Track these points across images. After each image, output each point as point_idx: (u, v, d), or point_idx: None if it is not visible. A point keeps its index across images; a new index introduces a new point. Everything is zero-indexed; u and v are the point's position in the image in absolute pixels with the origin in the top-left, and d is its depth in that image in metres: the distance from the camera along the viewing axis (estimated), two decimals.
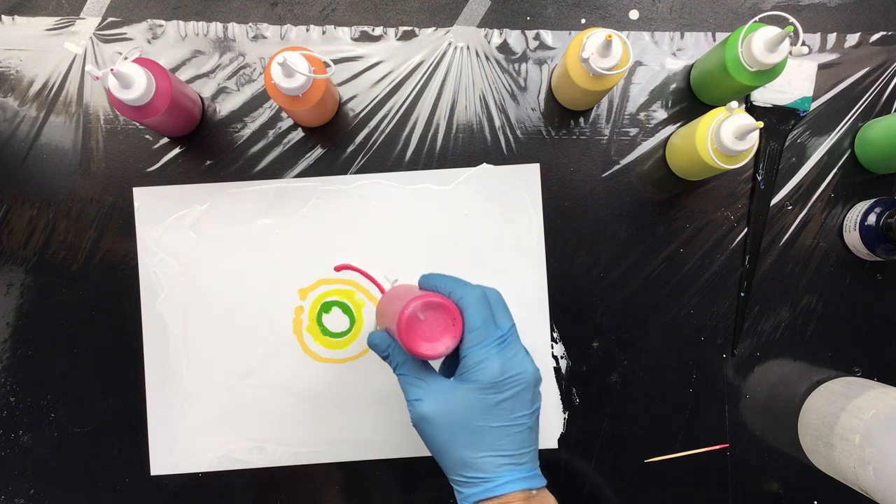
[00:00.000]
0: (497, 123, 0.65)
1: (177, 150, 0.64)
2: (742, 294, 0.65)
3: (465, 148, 0.65)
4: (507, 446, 0.46)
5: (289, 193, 0.64)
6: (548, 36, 0.66)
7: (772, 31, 0.55)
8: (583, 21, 0.66)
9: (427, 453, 0.63)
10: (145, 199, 0.64)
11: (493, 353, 0.46)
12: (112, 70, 0.52)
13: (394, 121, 0.65)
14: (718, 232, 0.65)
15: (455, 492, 0.48)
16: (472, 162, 0.65)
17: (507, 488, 0.45)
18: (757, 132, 0.55)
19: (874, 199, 0.64)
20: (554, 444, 0.64)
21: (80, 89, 0.64)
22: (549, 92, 0.65)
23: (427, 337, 0.46)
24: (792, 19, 0.54)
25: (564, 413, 0.64)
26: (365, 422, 0.64)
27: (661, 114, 0.66)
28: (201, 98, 0.64)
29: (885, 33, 0.67)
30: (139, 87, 0.53)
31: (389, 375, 0.63)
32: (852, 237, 0.64)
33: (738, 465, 0.65)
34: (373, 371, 0.64)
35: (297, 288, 0.64)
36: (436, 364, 0.53)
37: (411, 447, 0.63)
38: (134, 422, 0.63)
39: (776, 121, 0.66)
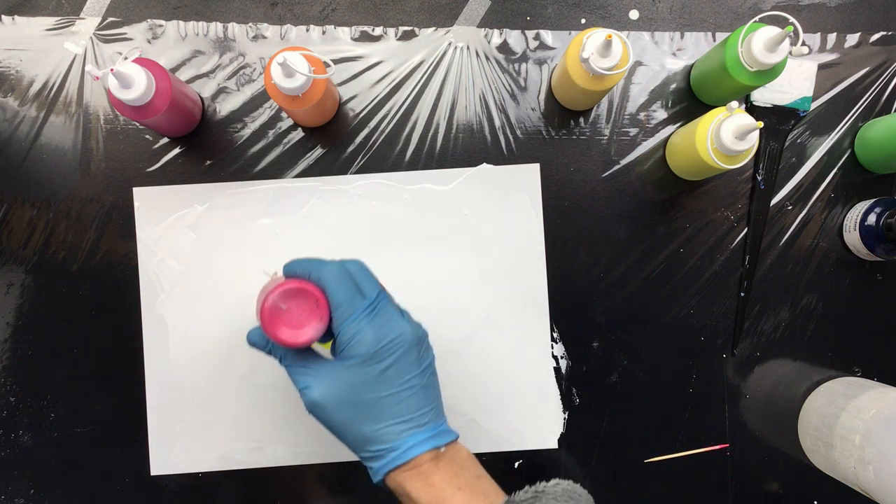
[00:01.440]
0: (497, 123, 0.65)
1: (177, 150, 0.64)
2: (742, 294, 0.65)
3: (465, 148, 0.65)
4: (404, 411, 0.46)
5: (289, 193, 0.64)
6: (548, 36, 0.66)
7: (772, 31, 0.55)
8: (583, 21, 0.66)
9: None
10: (145, 199, 0.64)
11: (363, 324, 0.46)
12: (112, 70, 0.52)
13: (394, 121, 0.65)
14: (718, 232, 0.65)
15: (368, 469, 0.47)
16: (472, 162, 0.65)
17: (413, 452, 0.45)
18: (757, 132, 0.55)
19: (874, 199, 0.64)
20: (554, 444, 0.64)
21: (80, 89, 0.64)
22: (549, 92, 0.65)
23: (293, 324, 0.46)
24: (792, 19, 0.54)
25: (564, 413, 0.64)
26: None
27: (661, 114, 0.66)
28: (201, 98, 0.64)
29: (885, 33, 0.67)
30: (139, 87, 0.53)
31: None
32: (852, 237, 0.64)
33: (738, 465, 0.65)
34: None
35: None
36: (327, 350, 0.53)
37: None
38: (134, 422, 0.63)
39: (776, 121, 0.66)
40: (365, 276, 0.49)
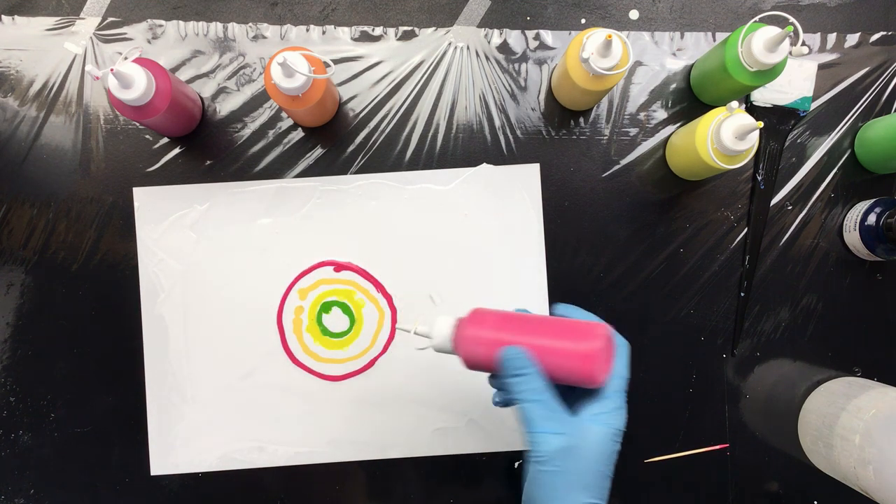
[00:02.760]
0: (497, 123, 0.65)
1: (177, 150, 0.64)
2: (742, 294, 0.65)
3: (465, 148, 0.65)
4: (604, 494, 0.44)
5: (289, 193, 0.64)
6: (548, 36, 0.66)
7: (772, 31, 0.55)
8: (583, 21, 0.66)
9: (425, 454, 0.63)
10: (145, 199, 0.64)
11: (625, 400, 0.45)
12: (112, 70, 0.52)
13: (394, 121, 0.65)
14: (718, 232, 0.65)
15: None
16: (472, 162, 0.65)
17: None
18: (757, 132, 0.55)
19: (874, 199, 0.64)
20: None
21: (80, 89, 0.64)
22: (549, 92, 0.65)
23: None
24: (792, 19, 0.54)
25: None
26: (364, 422, 0.64)
27: (661, 114, 0.66)
28: (201, 98, 0.64)
29: (885, 33, 0.67)
30: (139, 87, 0.53)
31: (389, 376, 0.63)
32: (852, 237, 0.64)
33: (738, 465, 0.65)
34: (372, 372, 0.64)
35: (297, 288, 0.64)
36: None
37: (410, 448, 0.63)
38: (134, 422, 0.63)
39: (776, 121, 0.66)
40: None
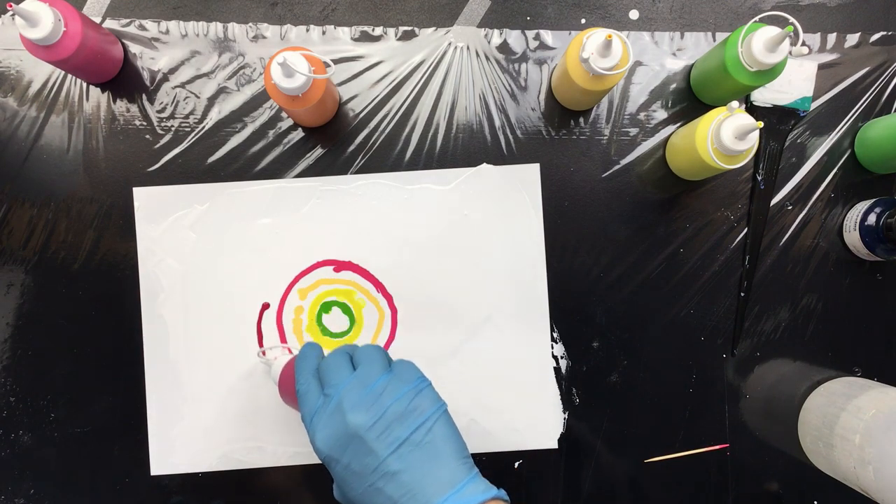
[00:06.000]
0: (497, 123, 0.65)
1: (177, 150, 0.64)
2: (742, 294, 0.65)
3: (465, 148, 0.65)
4: None
5: (289, 193, 0.64)
6: (548, 36, 0.66)
7: (772, 31, 0.55)
8: (583, 21, 0.66)
9: None
10: (145, 199, 0.64)
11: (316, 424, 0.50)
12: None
13: (394, 121, 0.65)
14: (718, 232, 0.65)
15: None
16: (472, 162, 0.65)
17: None
18: (757, 132, 0.55)
19: (874, 199, 0.64)
20: (554, 445, 0.64)
21: (81, 89, 0.64)
22: (549, 92, 0.65)
23: None
24: (792, 19, 0.54)
25: (564, 413, 0.64)
26: None
27: (661, 114, 0.66)
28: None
29: (885, 33, 0.67)
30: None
31: None
32: (852, 237, 0.64)
33: (738, 465, 0.65)
34: None
35: (297, 288, 0.64)
36: None
37: None
38: (134, 422, 0.63)
39: (776, 121, 0.66)
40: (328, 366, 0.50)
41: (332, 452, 0.45)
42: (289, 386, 0.55)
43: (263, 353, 0.63)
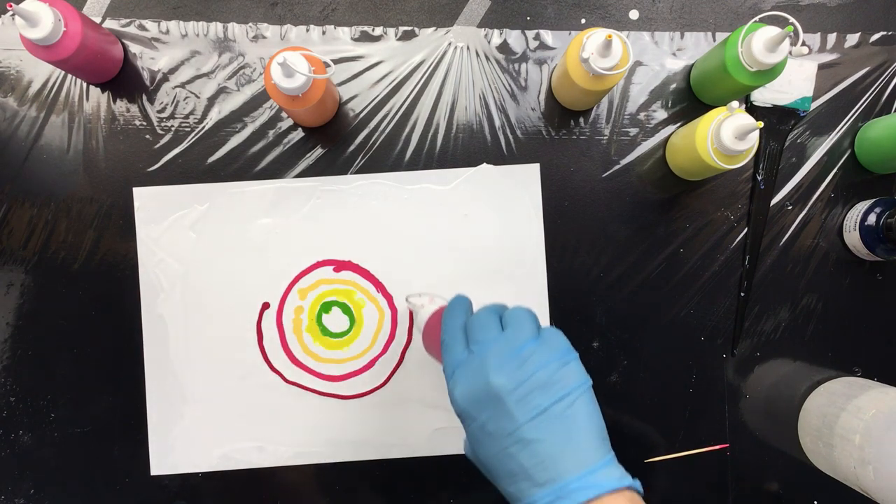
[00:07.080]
0: (497, 123, 0.65)
1: (177, 150, 0.64)
2: (742, 294, 0.65)
3: (465, 148, 0.65)
4: (513, 472, 0.46)
5: (289, 193, 0.64)
6: (548, 36, 0.66)
7: (772, 31, 0.55)
8: (583, 21, 0.66)
9: (425, 454, 0.63)
10: (145, 199, 0.64)
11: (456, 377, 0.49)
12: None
13: (394, 121, 0.65)
14: (718, 232, 0.65)
15: None
16: (472, 162, 0.65)
17: None
18: (757, 132, 0.55)
19: (874, 199, 0.64)
20: None
21: (81, 89, 0.64)
22: (549, 92, 0.65)
23: None
24: (792, 19, 0.54)
25: None
26: (365, 422, 0.64)
27: (661, 114, 0.66)
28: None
29: (885, 33, 0.67)
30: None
31: (389, 376, 0.63)
32: (852, 237, 0.64)
33: (738, 465, 0.65)
34: (373, 371, 0.64)
35: (297, 288, 0.64)
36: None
37: (410, 448, 0.63)
38: (134, 422, 0.63)
39: (776, 121, 0.66)
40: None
41: (470, 408, 0.44)
42: (433, 335, 0.52)
43: (411, 299, 0.58)
